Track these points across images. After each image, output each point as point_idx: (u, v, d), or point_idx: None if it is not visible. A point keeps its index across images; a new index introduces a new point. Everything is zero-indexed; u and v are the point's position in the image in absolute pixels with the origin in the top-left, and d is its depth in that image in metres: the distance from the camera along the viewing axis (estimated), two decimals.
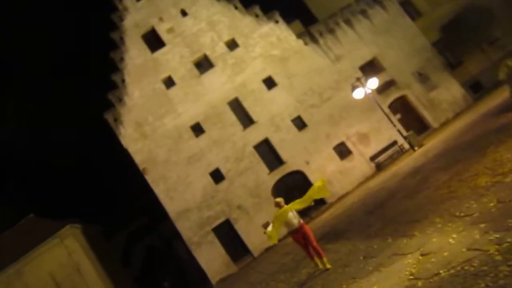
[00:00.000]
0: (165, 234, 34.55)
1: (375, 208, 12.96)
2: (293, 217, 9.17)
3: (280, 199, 9.54)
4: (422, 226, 7.69)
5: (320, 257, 9.13)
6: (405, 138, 21.93)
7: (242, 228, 24.48)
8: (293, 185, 25.22)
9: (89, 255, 28.40)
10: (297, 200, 9.35)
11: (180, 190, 24.99)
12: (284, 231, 10.33)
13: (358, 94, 22.30)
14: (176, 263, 35.78)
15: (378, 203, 13.41)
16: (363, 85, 22.21)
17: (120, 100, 26.03)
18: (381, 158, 25.36)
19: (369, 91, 22.16)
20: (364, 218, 12.54)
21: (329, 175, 25.19)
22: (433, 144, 19.67)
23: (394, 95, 26.80)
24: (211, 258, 24.07)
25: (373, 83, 22.00)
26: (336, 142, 26.02)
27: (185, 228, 24.56)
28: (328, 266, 8.98)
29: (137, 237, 37.75)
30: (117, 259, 33.54)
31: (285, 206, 9.23)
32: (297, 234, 9.25)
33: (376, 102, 22.44)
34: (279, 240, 10.96)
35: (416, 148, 21.31)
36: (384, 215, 10.96)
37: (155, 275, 36.17)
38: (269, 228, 9.35)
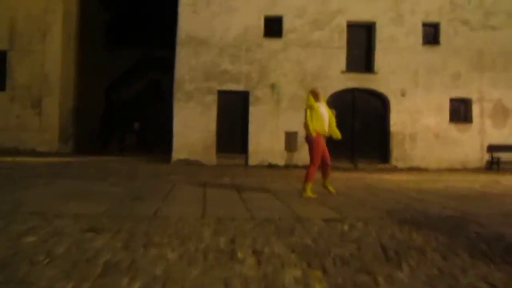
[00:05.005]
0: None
1: None
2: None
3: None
4: None
5: (324, 176, 7.25)
6: None
7: (256, 116, 15.44)
8: (364, 109, 15.91)
9: (69, 33, 20.22)
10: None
11: (213, 9, 15.69)
12: None
13: None
14: (160, 116, 27.43)
15: None
16: None
17: None
18: (503, 156, 15.61)
19: None
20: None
21: (419, 129, 15.78)
22: None
23: None
24: (192, 127, 15.32)
25: None
26: (459, 93, 16.07)
27: (185, 64, 15.52)
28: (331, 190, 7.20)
29: (147, 65, 28.52)
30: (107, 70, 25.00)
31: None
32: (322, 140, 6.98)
33: None
34: None
35: None
36: None
37: (136, 111, 27.96)
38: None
